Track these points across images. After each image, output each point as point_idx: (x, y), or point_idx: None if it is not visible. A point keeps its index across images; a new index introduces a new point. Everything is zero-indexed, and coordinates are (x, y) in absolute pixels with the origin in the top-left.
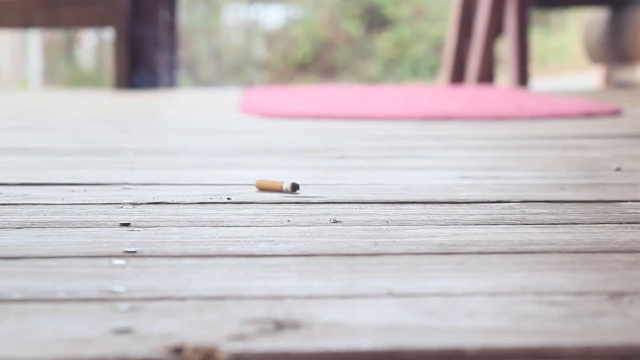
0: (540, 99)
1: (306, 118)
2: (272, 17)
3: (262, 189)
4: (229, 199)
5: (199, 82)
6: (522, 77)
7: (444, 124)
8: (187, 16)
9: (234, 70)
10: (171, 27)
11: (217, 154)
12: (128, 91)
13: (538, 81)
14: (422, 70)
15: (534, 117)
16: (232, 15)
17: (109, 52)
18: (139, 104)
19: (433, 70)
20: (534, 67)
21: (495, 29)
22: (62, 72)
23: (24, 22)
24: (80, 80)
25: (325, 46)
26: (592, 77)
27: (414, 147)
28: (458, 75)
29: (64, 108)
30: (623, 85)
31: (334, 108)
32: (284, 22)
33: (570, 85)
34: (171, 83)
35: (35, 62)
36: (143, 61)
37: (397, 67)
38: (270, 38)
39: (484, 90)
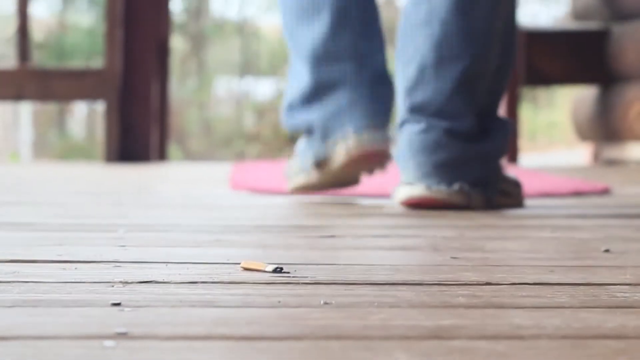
0: (530, 176)
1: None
2: (263, 90)
3: (248, 269)
4: (219, 279)
5: (190, 154)
6: (512, 154)
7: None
8: (178, 88)
9: (225, 143)
10: (162, 100)
11: (207, 231)
12: (119, 164)
13: (528, 157)
14: None
15: (525, 196)
16: (223, 87)
17: (100, 121)
18: (130, 177)
19: None
20: (523, 142)
21: None
22: (53, 142)
23: (16, 94)
24: (72, 149)
25: None
26: (582, 153)
27: (403, 225)
28: None
29: (55, 181)
30: (612, 163)
31: None
32: (275, 94)
33: (559, 162)
34: (162, 156)
35: (26, 132)
36: (134, 134)
37: None
38: (261, 110)
39: None
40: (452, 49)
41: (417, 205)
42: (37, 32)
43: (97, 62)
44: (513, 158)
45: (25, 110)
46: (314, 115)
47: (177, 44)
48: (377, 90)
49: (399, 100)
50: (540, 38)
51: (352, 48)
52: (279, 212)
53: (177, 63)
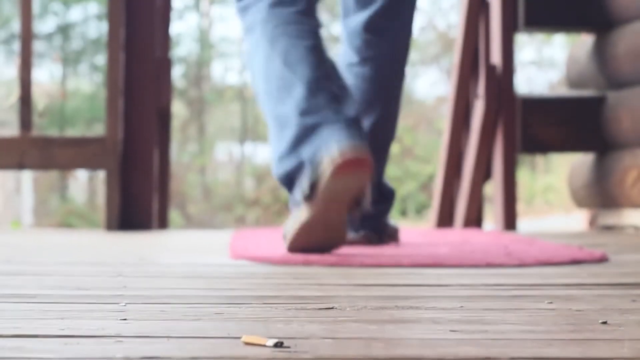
0: (528, 244)
1: (296, 264)
2: (262, 154)
3: (249, 343)
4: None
5: (190, 218)
6: (510, 221)
7: (433, 271)
8: (178, 152)
9: (225, 207)
10: (163, 167)
11: (208, 303)
12: (120, 232)
13: (525, 221)
14: (410, 208)
15: (522, 264)
16: (224, 152)
17: (101, 186)
18: (131, 246)
19: (421, 209)
20: (521, 206)
21: (483, 172)
22: (54, 207)
23: (18, 163)
24: (73, 214)
25: None
26: (579, 218)
27: (403, 296)
28: (447, 217)
29: (57, 250)
30: (609, 229)
31: (325, 254)
32: None
33: (556, 227)
34: (163, 223)
35: (27, 198)
36: (135, 202)
37: None
38: (260, 175)
39: (472, 234)
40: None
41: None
42: (39, 97)
43: (98, 128)
44: (511, 225)
45: (27, 176)
46: (302, 154)
47: (178, 109)
48: (354, 126)
49: None
50: (536, 105)
51: (328, 103)
52: (279, 282)
53: (177, 128)
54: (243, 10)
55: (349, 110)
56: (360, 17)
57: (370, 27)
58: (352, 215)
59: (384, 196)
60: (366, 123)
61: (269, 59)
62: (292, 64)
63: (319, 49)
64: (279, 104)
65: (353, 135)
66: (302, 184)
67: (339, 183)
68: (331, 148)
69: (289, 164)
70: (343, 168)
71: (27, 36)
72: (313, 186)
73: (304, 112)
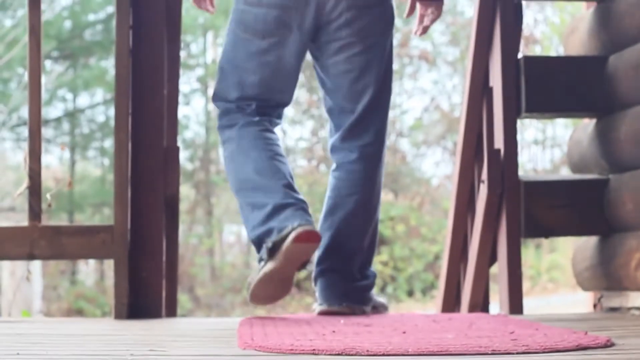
0: (533, 329)
1: (304, 353)
2: None
3: None
4: None
5: (198, 301)
6: (515, 305)
7: (439, 359)
8: (186, 235)
9: (233, 289)
10: (172, 253)
11: None
12: (129, 321)
13: (531, 300)
14: (417, 288)
15: (528, 351)
16: (231, 233)
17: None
18: (140, 336)
19: (427, 290)
20: (526, 284)
21: (489, 256)
22: (63, 291)
23: (28, 254)
24: (82, 297)
25: None
26: (584, 297)
27: None
28: (453, 301)
29: (66, 340)
30: (613, 310)
31: (331, 341)
32: None
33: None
34: (171, 311)
35: (37, 284)
36: (144, 290)
37: (391, 286)
38: None
39: (478, 318)
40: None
41: (326, 313)
42: (47, 182)
43: (107, 212)
44: (517, 309)
45: (36, 262)
46: (271, 225)
47: (185, 191)
48: (307, 212)
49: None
50: (539, 189)
51: (289, 195)
52: None
53: (185, 210)
54: (222, 128)
55: (302, 200)
56: (340, 130)
57: (348, 136)
58: (298, 272)
59: (367, 276)
60: (349, 207)
61: (244, 165)
62: (261, 170)
63: (279, 156)
64: (253, 196)
65: (308, 218)
66: (268, 244)
67: (296, 247)
68: (295, 223)
69: (260, 230)
70: (301, 237)
71: (35, 127)
72: (276, 246)
73: (273, 200)
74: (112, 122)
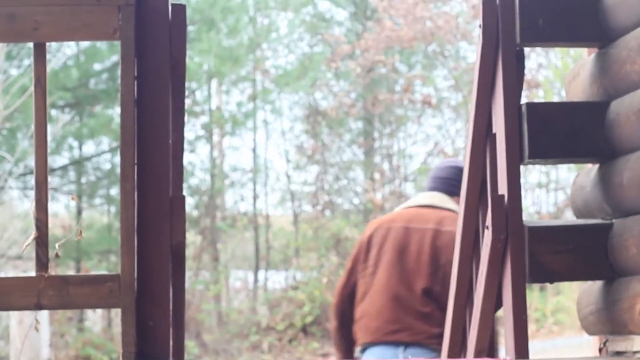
0: None
1: None
2: (275, 281)
3: None
4: None
5: (205, 347)
6: (521, 350)
7: None
8: (192, 281)
9: (240, 335)
10: (179, 300)
11: None
12: None
13: (537, 342)
14: None
15: None
16: (238, 279)
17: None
18: None
19: None
20: (532, 327)
21: (494, 302)
22: (71, 338)
23: (35, 304)
24: (90, 344)
25: (327, 308)
26: (590, 340)
27: None
28: (459, 346)
29: None
30: (619, 355)
31: None
32: (286, 286)
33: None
34: (179, 357)
35: (44, 332)
36: (151, 338)
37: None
38: (274, 301)
39: None
40: None
41: None
42: (55, 230)
43: (114, 259)
44: (523, 354)
45: (44, 311)
46: None
47: (191, 238)
48: None
49: None
50: (543, 234)
51: None
52: None
53: (191, 256)
54: None
55: None
56: None
57: None
58: None
59: None
60: None
61: None
62: None
63: None
64: None
65: None
66: None
67: None
68: None
69: None
70: None
71: (42, 177)
72: None
73: None
74: (118, 170)
